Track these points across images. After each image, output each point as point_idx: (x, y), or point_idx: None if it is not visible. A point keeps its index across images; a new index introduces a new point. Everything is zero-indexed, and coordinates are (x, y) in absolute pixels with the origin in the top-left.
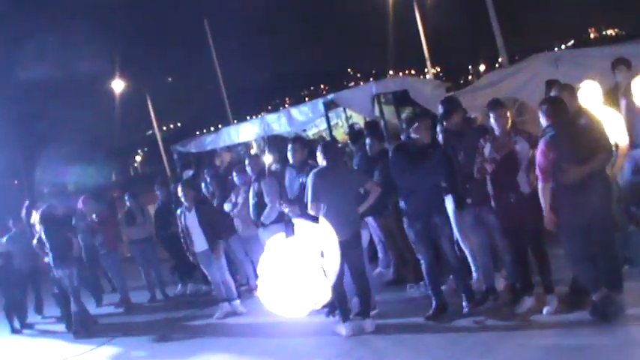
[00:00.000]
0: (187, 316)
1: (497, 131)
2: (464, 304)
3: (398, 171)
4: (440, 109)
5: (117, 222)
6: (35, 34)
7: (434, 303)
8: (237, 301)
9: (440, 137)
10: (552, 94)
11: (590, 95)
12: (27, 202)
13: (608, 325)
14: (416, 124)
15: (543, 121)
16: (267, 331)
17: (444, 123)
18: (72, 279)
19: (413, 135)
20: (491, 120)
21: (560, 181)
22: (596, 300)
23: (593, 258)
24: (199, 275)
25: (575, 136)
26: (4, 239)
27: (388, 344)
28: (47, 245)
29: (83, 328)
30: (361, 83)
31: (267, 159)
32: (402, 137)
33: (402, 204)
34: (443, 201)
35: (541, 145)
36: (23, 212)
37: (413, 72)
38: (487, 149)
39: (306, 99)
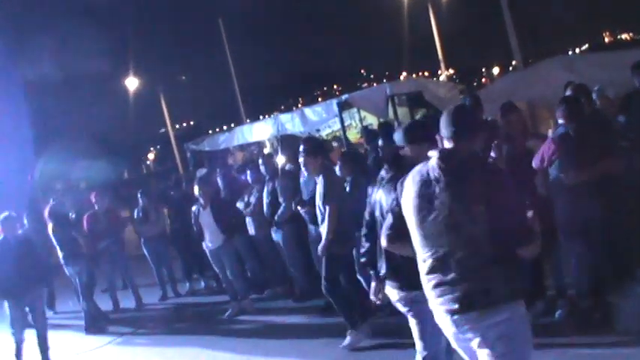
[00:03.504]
0: (198, 314)
1: (510, 134)
2: None
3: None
4: (468, 103)
5: (125, 219)
6: (50, 31)
7: None
8: (248, 300)
9: None
10: (567, 93)
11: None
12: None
13: (621, 330)
14: None
15: (560, 120)
16: (276, 330)
17: None
18: (81, 276)
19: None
20: (505, 123)
21: (561, 180)
22: (583, 307)
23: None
24: (211, 273)
25: (585, 139)
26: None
27: (396, 347)
28: (55, 242)
29: (94, 324)
30: (374, 84)
31: (281, 159)
32: None
33: None
34: None
35: (549, 140)
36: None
37: (426, 74)
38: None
39: (319, 99)
